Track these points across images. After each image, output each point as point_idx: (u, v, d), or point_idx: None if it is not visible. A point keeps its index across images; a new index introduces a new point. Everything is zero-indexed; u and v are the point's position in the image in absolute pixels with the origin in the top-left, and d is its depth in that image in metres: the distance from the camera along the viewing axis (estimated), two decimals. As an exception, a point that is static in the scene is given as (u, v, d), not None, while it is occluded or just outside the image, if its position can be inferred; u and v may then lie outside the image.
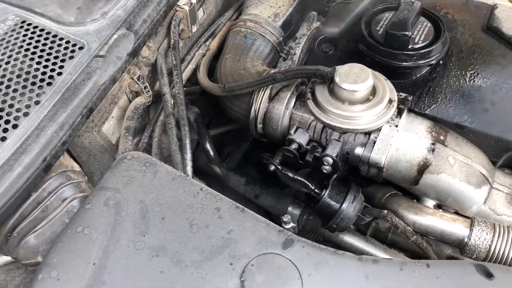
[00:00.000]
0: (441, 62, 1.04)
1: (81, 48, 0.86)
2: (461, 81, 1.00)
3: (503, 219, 0.85)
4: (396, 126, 0.87)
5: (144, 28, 0.90)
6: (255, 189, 1.02)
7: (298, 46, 1.21)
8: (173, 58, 0.98)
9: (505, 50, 1.03)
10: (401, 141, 0.86)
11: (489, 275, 0.63)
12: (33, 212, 0.72)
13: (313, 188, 0.91)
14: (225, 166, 1.05)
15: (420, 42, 1.01)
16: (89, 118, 0.81)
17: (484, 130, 0.93)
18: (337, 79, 0.86)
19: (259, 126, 0.99)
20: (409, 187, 0.89)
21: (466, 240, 0.80)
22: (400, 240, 0.98)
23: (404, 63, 1.00)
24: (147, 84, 0.95)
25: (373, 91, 0.89)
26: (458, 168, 0.85)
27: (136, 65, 0.97)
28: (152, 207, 0.69)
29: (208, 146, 1.00)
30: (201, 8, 1.17)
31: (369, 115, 0.86)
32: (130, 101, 0.96)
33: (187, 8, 1.03)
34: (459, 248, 0.83)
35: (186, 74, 1.08)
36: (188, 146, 0.89)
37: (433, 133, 0.87)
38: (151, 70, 1.02)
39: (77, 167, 0.82)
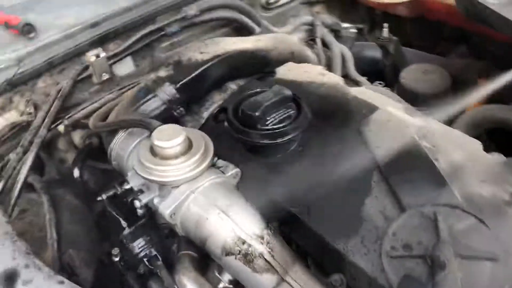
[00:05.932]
0: (300, 148, 1.06)
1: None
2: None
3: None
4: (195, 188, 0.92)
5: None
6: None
7: (206, 111, 1.31)
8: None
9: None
10: (193, 204, 0.91)
11: None
12: None
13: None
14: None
15: (274, 123, 1.04)
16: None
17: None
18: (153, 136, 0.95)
19: (114, 163, 1.14)
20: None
21: None
22: None
23: (260, 141, 1.02)
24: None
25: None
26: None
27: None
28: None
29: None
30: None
31: (177, 171, 0.92)
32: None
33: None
34: None
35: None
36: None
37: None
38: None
39: None
